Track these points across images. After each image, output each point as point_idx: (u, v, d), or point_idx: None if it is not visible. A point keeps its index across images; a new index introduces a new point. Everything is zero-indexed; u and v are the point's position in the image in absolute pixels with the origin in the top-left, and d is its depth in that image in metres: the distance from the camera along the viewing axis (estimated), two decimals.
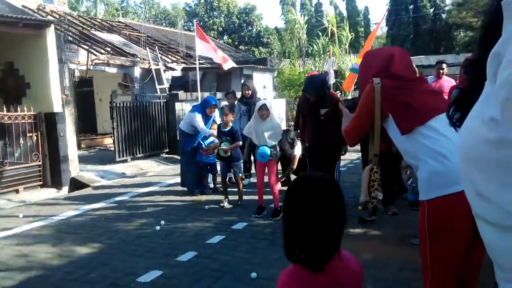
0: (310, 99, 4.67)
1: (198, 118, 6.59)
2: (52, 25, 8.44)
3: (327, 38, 24.67)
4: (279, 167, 6.93)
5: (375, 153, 2.33)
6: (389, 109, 2.15)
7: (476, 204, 0.84)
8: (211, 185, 7.01)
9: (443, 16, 33.87)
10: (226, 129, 6.02)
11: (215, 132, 6.52)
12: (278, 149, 5.39)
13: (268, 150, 5.17)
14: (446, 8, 33.51)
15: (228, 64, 10.56)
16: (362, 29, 38.14)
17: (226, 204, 5.98)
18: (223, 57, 10.46)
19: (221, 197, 6.48)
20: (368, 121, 2.26)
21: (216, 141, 6.73)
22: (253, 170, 6.98)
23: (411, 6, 35.00)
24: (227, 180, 6.30)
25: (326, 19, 26.50)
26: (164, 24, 30.98)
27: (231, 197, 6.11)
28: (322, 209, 1.33)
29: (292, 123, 6.64)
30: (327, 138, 4.71)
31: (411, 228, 4.15)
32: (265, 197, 5.50)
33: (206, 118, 6.72)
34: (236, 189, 6.20)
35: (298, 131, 6.23)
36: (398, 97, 2.14)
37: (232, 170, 6.18)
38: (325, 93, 4.66)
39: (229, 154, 5.95)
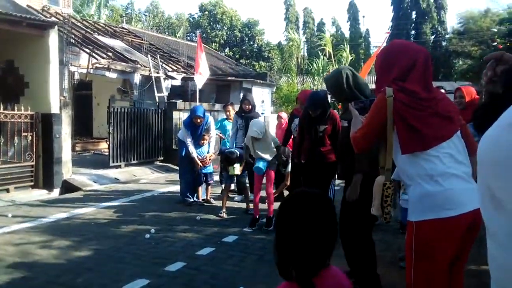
0: (312, 114, 4.69)
1: (184, 134, 6.77)
2: (56, 27, 8.48)
3: (326, 57, 24.92)
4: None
5: (387, 168, 2.26)
6: (396, 126, 2.15)
7: (487, 213, 0.86)
8: (204, 196, 6.99)
9: (443, 43, 34.34)
10: (234, 156, 5.97)
11: (195, 154, 6.65)
12: (275, 160, 5.52)
13: (263, 165, 5.33)
14: (447, 36, 33.98)
15: (199, 80, 10.82)
16: (363, 51, 38.53)
17: (224, 215, 5.99)
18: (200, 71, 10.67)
19: (213, 208, 6.48)
20: (377, 131, 2.24)
21: (211, 152, 6.77)
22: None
23: (412, 32, 35.54)
24: (228, 190, 6.42)
25: (322, 40, 26.72)
26: (167, 33, 31.12)
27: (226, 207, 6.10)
28: (314, 224, 1.34)
29: None
30: (323, 156, 4.71)
31: (401, 250, 4.14)
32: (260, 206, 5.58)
33: (195, 128, 6.74)
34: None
35: (286, 147, 6.34)
36: (407, 117, 2.11)
37: (238, 179, 6.34)
38: (326, 109, 4.68)
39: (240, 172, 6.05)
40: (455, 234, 2.02)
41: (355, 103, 2.80)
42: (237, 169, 5.93)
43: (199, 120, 6.67)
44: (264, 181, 5.65)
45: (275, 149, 5.53)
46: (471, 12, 29.12)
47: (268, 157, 5.39)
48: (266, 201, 5.55)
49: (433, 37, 34.97)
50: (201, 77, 10.92)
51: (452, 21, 40.80)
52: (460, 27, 30.33)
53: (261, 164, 5.34)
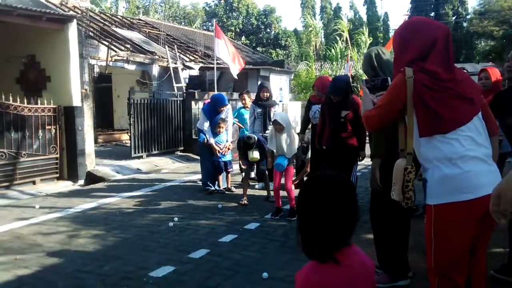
0: (334, 99, 4.66)
1: (201, 120, 6.91)
2: (75, 20, 8.58)
3: (344, 42, 24.60)
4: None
5: (408, 151, 2.21)
6: (415, 107, 2.10)
7: None
8: (225, 185, 7.04)
9: (465, 24, 33.51)
10: (251, 141, 6.00)
11: (212, 140, 6.72)
12: (294, 159, 5.49)
13: (284, 162, 5.29)
14: (468, 16, 33.13)
15: (234, 69, 10.93)
16: (382, 34, 37.87)
17: (245, 202, 6.05)
18: (236, 61, 10.77)
19: (234, 196, 6.53)
20: (393, 112, 2.20)
21: (229, 141, 6.82)
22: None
23: (432, 14, 34.72)
24: (248, 178, 6.48)
25: (338, 25, 26.34)
26: (183, 23, 31.17)
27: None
28: (334, 204, 1.38)
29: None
30: (345, 141, 4.70)
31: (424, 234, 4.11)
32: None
33: (216, 114, 6.80)
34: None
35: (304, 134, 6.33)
36: (427, 99, 2.05)
37: (259, 167, 6.39)
38: (348, 94, 4.65)
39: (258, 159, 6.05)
40: (474, 217, 2.00)
41: (366, 81, 2.75)
42: (256, 153, 5.95)
43: (223, 109, 6.76)
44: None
45: (296, 146, 5.45)
46: None
47: (289, 153, 5.34)
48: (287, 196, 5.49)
49: (454, 18, 34.13)
50: (234, 66, 11.03)
51: (472, 1, 39.58)
52: (481, 8, 29.52)
53: (282, 161, 5.30)
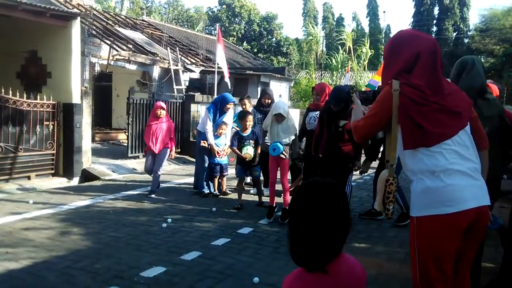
0: (334, 109, 4.69)
1: (205, 119, 6.86)
2: (79, 18, 8.61)
3: (345, 53, 24.72)
4: (289, 176, 6.96)
5: (391, 163, 2.24)
6: (400, 120, 2.12)
7: None
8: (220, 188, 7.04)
9: (465, 40, 33.74)
10: (246, 134, 6.10)
11: (212, 141, 6.66)
12: (289, 150, 5.40)
13: (280, 146, 5.19)
14: (469, 33, 33.35)
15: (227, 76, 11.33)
16: (383, 46, 38.08)
17: (239, 206, 6.05)
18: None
19: (228, 199, 6.54)
20: (380, 123, 2.23)
21: (228, 144, 6.80)
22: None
23: (434, 28, 34.96)
24: (243, 183, 6.47)
25: (343, 35, 26.47)
26: (186, 26, 31.26)
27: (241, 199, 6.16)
28: (326, 212, 1.38)
29: None
30: (342, 151, 4.71)
31: None
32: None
33: (219, 115, 6.81)
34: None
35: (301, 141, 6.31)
36: (412, 112, 2.07)
37: (251, 173, 6.35)
38: (348, 105, 4.67)
39: (252, 157, 6.05)
40: (456, 231, 2.00)
41: (359, 92, 2.81)
42: (250, 149, 5.98)
43: (229, 107, 6.80)
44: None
45: (293, 136, 5.41)
46: (495, 10, 28.51)
47: (287, 140, 5.30)
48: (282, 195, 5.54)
49: (454, 34, 34.37)
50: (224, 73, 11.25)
51: (474, 19, 39.97)
52: (483, 26, 29.73)
53: (278, 144, 5.18)
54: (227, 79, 11.46)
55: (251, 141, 6.11)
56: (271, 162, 5.44)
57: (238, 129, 7.69)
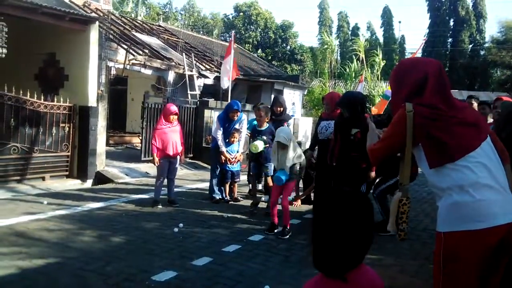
0: (344, 115, 4.66)
1: (215, 127, 6.92)
2: (97, 22, 8.74)
3: (359, 62, 24.64)
4: (301, 184, 6.95)
5: (404, 184, 2.22)
6: (420, 140, 2.11)
7: None
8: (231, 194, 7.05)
9: (481, 52, 33.41)
10: (263, 128, 6.17)
11: (223, 148, 6.67)
12: (297, 169, 5.24)
13: (284, 176, 5.06)
14: (486, 45, 33.02)
15: (225, 82, 11.46)
16: (398, 57, 37.92)
17: (251, 213, 6.04)
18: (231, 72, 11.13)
19: (239, 206, 6.53)
20: (396, 145, 2.23)
21: (240, 151, 6.82)
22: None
23: (449, 40, 34.69)
24: (256, 186, 6.52)
25: (356, 44, 26.41)
26: (201, 32, 31.51)
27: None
28: (352, 220, 1.40)
29: None
30: (354, 160, 4.68)
31: (430, 260, 4.08)
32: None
33: (230, 123, 6.83)
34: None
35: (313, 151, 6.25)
36: (430, 130, 2.06)
37: (263, 170, 6.33)
38: (359, 112, 4.63)
39: (259, 151, 6.04)
40: (485, 248, 1.94)
41: (373, 116, 2.81)
42: (260, 143, 6.00)
43: (234, 115, 6.78)
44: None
45: (299, 160, 5.25)
46: (511, 22, 28.21)
47: (288, 166, 5.12)
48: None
49: (470, 46, 34.07)
50: (227, 80, 11.36)
51: (490, 30, 39.67)
52: (501, 37, 29.42)
53: (281, 174, 5.08)
54: (227, 82, 11.50)
55: (264, 136, 6.14)
56: (274, 187, 5.37)
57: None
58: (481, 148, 2.03)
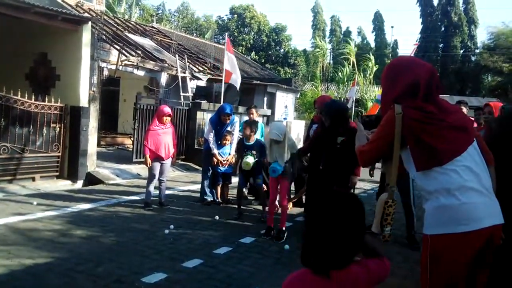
0: (325, 123, 4.68)
1: (207, 130, 6.94)
2: (89, 22, 8.69)
3: (351, 66, 24.79)
4: (292, 187, 6.95)
5: (391, 186, 2.23)
6: (409, 143, 2.11)
7: None
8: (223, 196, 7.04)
9: (473, 58, 33.72)
10: (250, 143, 6.11)
11: (215, 151, 6.67)
12: (290, 167, 5.31)
13: (279, 167, 5.09)
14: (477, 50, 33.32)
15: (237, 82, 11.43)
16: (389, 61, 38.18)
17: (240, 216, 6.03)
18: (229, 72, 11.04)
19: (231, 208, 6.52)
20: (386, 147, 2.22)
21: (232, 154, 6.80)
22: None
23: (441, 45, 34.99)
24: (242, 194, 6.45)
25: (346, 49, 26.58)
26: (194, 34, 31.48)
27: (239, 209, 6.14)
28: (342, 221, 1.43)
29: None
30: (339, 168, 4.69)
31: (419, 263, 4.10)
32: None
33: (222, 125, 6.83)
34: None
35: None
36: (419, 133, 2.07)
37: (254, 182, 6.35)
38: (341, 121, 4.63)
39: (251, 167, 6.03)
40: (471, 250, 1.97)
41: (361, 117, 2.81)
42: (250, 159, 5.98)
43: (227, 118, 6.76)
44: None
45: (293, 150, 5.31)
46: (502, 29, 28.48)
47: (283, 160, 5.14)
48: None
49: (462, 51, 34.38)
50: (236, 79, 11.28)
51: (482, 36, 40.03)
52: (491, 43, 29.72)
53: (277, 165, 5.07)
54: (237, 84, 11.50)
55: (253, 151, 6.09)
56: (271, 182, 5.38)
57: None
58: (467, 152, 2.06)
